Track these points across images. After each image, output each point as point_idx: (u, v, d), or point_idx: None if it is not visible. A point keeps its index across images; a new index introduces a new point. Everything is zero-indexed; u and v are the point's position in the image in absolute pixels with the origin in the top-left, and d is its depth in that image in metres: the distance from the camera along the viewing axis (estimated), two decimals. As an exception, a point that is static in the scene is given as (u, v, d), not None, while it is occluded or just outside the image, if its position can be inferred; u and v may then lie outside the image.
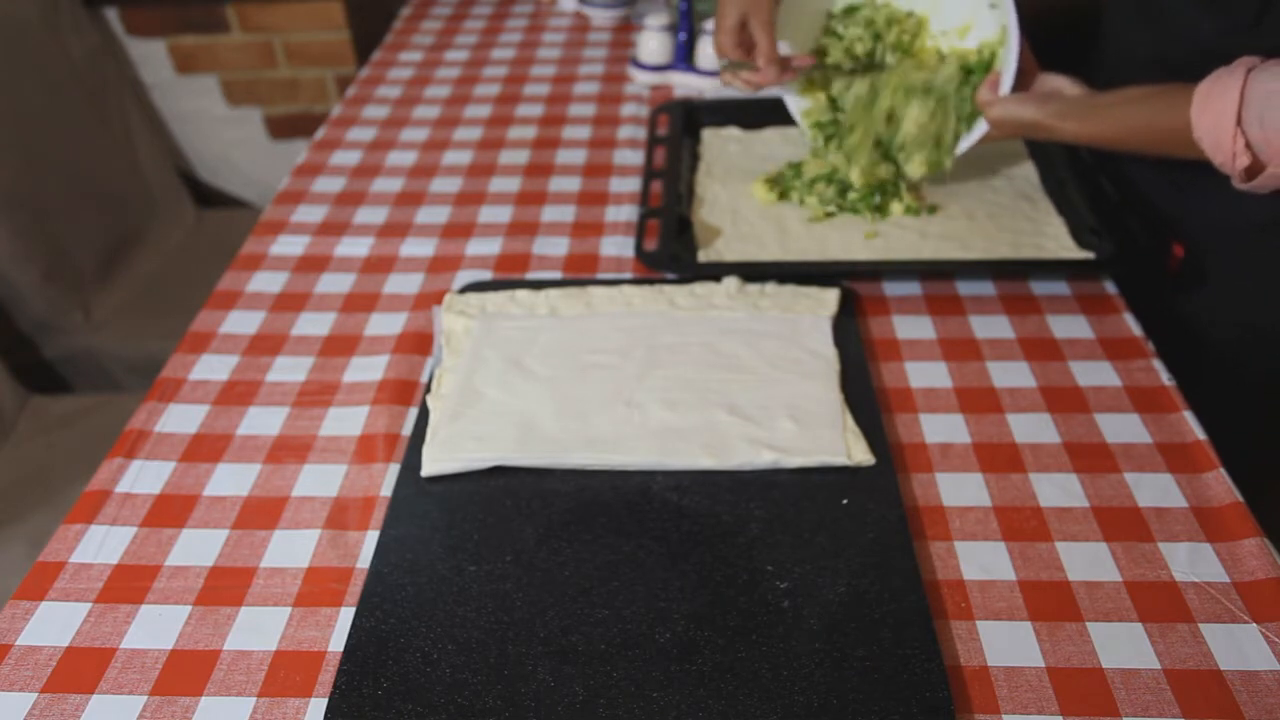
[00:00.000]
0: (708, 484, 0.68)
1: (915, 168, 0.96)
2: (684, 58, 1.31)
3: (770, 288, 0.85)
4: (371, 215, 1.04)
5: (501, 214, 1.03)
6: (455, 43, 1.49)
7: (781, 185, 1.00)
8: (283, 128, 1.93)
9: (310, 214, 1.05)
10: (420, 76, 1.38)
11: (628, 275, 0.92)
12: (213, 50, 1.82)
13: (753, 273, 0.88)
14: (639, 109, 1.26)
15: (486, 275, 0.93)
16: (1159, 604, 0.60)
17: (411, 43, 1.50)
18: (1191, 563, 0.62)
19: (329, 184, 1.11)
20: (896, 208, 0.96)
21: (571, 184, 1.09)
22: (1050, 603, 0.60)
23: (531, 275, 0.93)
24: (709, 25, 1.28)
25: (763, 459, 0.68)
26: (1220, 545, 0.63)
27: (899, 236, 0.93)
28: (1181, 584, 0.61)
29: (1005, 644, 0.58)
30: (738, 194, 1.02)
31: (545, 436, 0.71)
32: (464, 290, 0.87)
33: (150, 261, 1.63)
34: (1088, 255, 0.88)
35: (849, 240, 0.93)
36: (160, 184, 1.73)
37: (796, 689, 0.54)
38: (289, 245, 0.99)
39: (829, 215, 0.97)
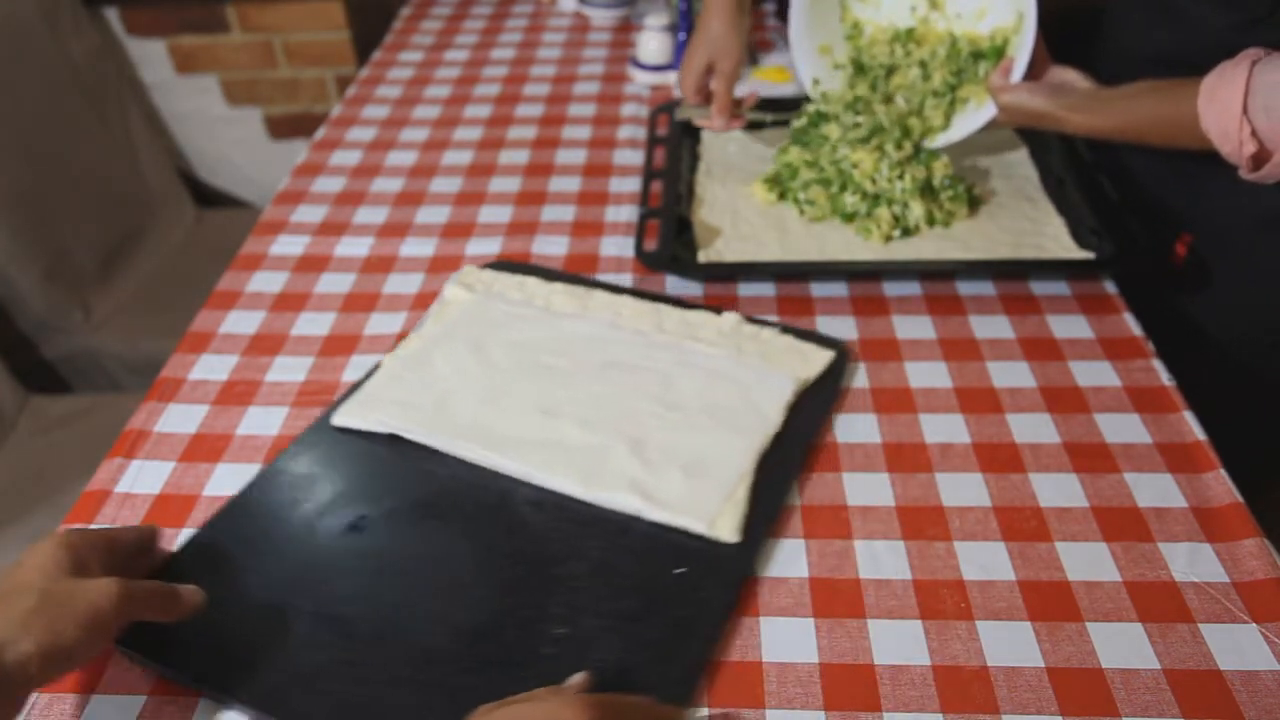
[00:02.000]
0: (568, 510, 0.66)
1: (936, 116, 0.98)
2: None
3: (767, 333, 0.80)
4: (371, 215, 1.04)
5: (501, 214, 1.03)
6: (455, 43, 1.49)
7: (781, 185, 1.00)
8: (283, 128, 1.93)
9: (310, 214, 1.05)
10: (420, 76, 1.38)
11: (630, 285, 0.92)
12: (213, 50, 1.82)
13: (752, 273, 0.88)
14: (639, 109, 1.26)
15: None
16: (1159, 604, 0.60)
17: (411, 43, 1.50)
18: (1191, 563, 0.62)
19: (329, 184, 1.11)
20: (918, 211, 0.92)
21: (571, 184, 1.09)
22: (1050, 603, 0.60)
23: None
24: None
25: (626, 502, 0.65)
26: (1220, 545, 0.63)
27: (899, 236, 0.93)
28: (1181, 584, 0.61)
29: (1005, 644, 0.58)
30: (737, 194, 1.02)
31: (449, 420, 0.72)
32: (487, 266, 0.89)
33: (150, 261, 1.63)
34: (1088, 255, 0.88)
35: (849, 240, 0.93)
36: (160, 184, 1.73)
37: None
38: (289, 245, 0.99)
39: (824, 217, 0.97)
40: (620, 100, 1.29)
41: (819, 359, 0.78)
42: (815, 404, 0.75)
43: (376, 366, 0.77)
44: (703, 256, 0.91)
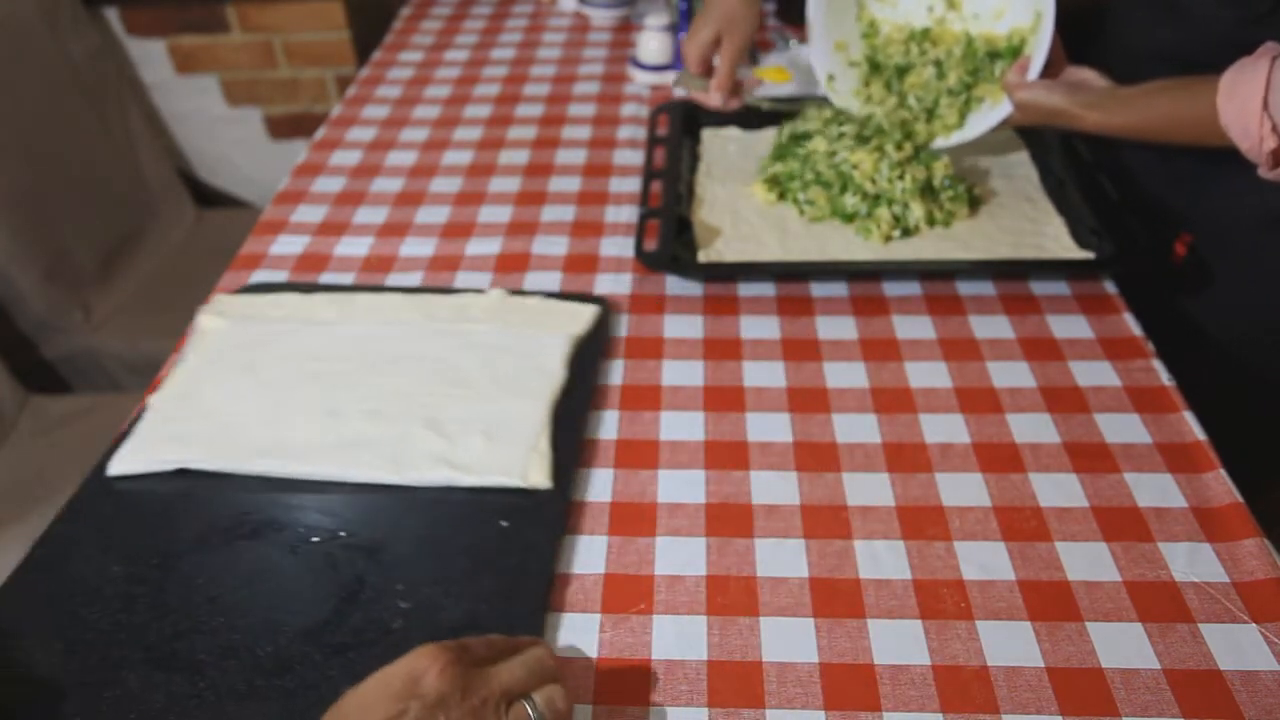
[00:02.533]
0: (381, 496, 0.68)
1: (951, 115, 0.98)
2: (683, 58, 1.31)
3: (533, 301, 0.85)
4: (371, 215, 1.04)
5: (501, 214, 1.03)
6: (455, 43, 1.49)
7: (781, 186, 1.00)
8: (283, 128, 1.93)
9: (310, 214, 1.05)
10: (420, 76, 1.38)
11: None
12: (213, 50, 1.82)
13: (752, 273, 0.89)
14: (639, 109, 1.26)
15: (487, 275, 0.93)
16: (1159, 604, 0.60)
17: (411, 43, 1.50)
18: (1191, 563, 0.62)
19: (329, 184, 1.11)
20: (918, 211, 0.92)
21: (571, 184, 1.09)
22: (1050, 603, 0.60)
23: (532, 274, 0.93)
24: (709, 25, 1.29)
25: (437, 476, 0.68)
26: (1220, 545, 0.63)
27: (899, 236, 0.93)
28: (1181, 584, 0.61)
29: (1005, 644, 0.58)
30: (738, 194, 1.02)
31: (238, 442, 0.71)
32: (241, 290, 0.88)
33: (150, 261, 1.63)
34: (1088, 255, 0.88)
35: (850, 240, 0.93)
36: (160, 184, 1.73)
37: None
38: (289, 245, 0.99)
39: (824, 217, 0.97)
40: (620, 100, 1.29)
41: (585, 314, 0.84)
42: (591, 353, 0.81)
43: (142, 410, 0.75)
44: (703, 256, 0.91)
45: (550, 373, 0.77)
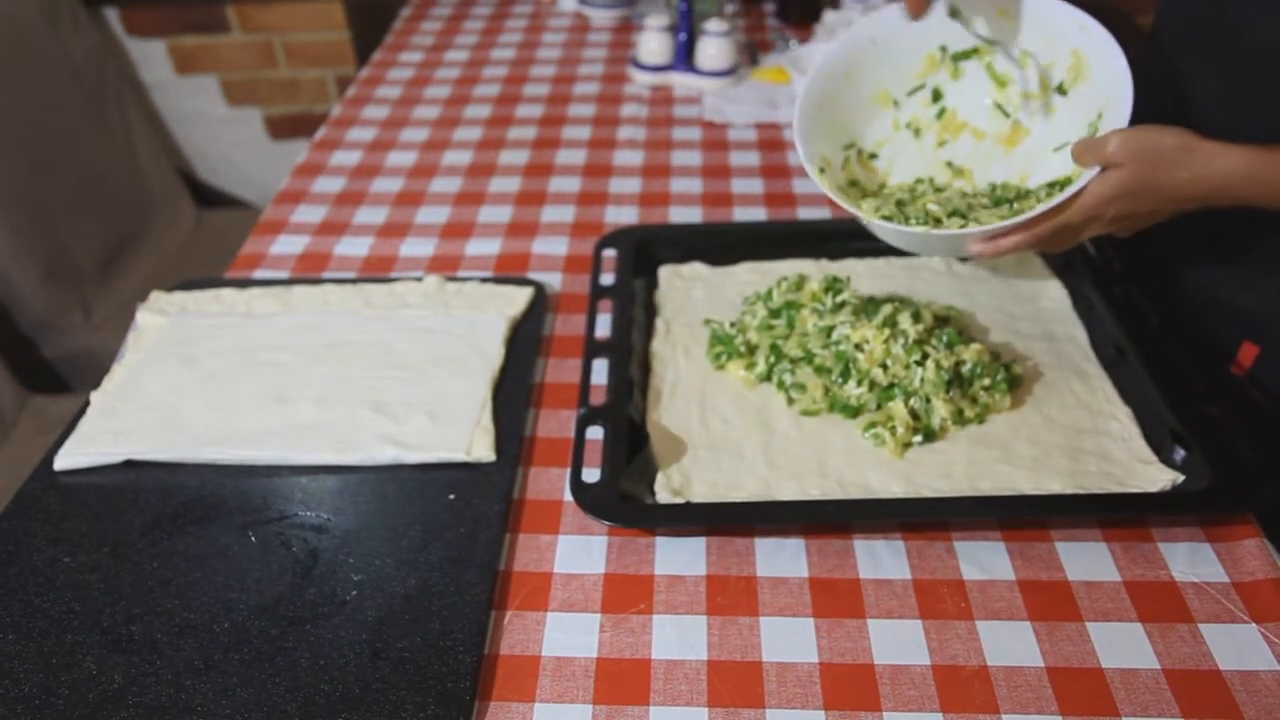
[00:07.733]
0: (332, 479, 0.70)
1: (989, 217, 0.75)
2: (684, 58, 1.31)
3: (469, 286, 0.87)
4: (371, 215, 1.04)
5: (501, 214, 1.03)
6: (455, 43, 1.50)
7: (764, 365, 0.76)
8: (283, 128, 1.93)
9: (310, 214, 1.05)
10: (420, 76, 1.38)
11: (334, 275, 0.92)
12: (213, 50, 1.82)
13: (727, 517, 0.66)
14: (639, 109, 1.26)
15: (487, 275, 0.93)
16: (1159, 604, 0.60)
17: (411, 43, 1.50)
18: (1191, 563, 0.62)
19: (329, 184, 1.11)
20: (943, 410, 0.70)
21: (571, 184, 1.09)
22: (1050, 603, 0.60)
23: (532, 274, 0.93)
24: (709, 26, 1.29)
25: (385, 454, 0.70)
26: (1220, 545, 0.63)
27: (919, 441, 0.71)
28: (1181, 584, 0.61)
29: (1005, 644, 0.58)
30: (707, 371, 0.78)
31: (185, 432, 0.72)
32: (176, 287, 0.89)
33: (150, 261, 1.63)
34: (1174, 475, 0.66)
35: (853, 442, 0.71)
36: (160, 184, 1.73)
37: (325, 678, 0.56)
38: (289, 245, 0.99)
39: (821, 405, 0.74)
40: (620, 100, 1.29)
41: (521, 296, 0.86)
42: (529, 334, 0.83)
43: (85, 405, 0.76)
44: (661, 488, 0.67)
45: (489, 352, 0.79)
